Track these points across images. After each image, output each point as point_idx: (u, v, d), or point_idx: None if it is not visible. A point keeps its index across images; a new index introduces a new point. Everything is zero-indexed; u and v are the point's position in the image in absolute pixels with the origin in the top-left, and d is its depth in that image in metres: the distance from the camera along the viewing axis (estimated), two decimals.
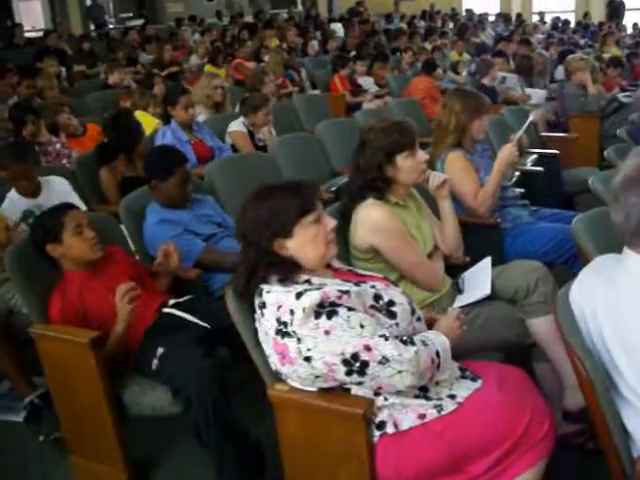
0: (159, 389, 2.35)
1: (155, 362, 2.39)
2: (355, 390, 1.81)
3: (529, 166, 4.18)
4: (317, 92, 7.60)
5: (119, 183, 3.82)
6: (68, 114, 4.82)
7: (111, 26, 15.06)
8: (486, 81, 6.34)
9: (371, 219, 2.40)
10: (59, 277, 2.57)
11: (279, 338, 1.80)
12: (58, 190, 3.49)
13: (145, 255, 2.99)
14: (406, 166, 2.47)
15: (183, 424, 2.31)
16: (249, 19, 14.59)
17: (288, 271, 1.87)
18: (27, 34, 12.07)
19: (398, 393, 1.82)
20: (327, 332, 1.74)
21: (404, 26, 13.87)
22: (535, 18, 17.29)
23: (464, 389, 1.90)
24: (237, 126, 4.65)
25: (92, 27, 14.49)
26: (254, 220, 1.87)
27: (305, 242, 1.87)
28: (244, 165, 3.73)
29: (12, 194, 3.37)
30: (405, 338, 1.81)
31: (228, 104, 5.63)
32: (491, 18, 17.24)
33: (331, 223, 1.94)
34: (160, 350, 2.40)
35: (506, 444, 1.79)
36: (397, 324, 1.86)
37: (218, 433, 2.24)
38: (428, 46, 9.93)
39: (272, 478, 2.32)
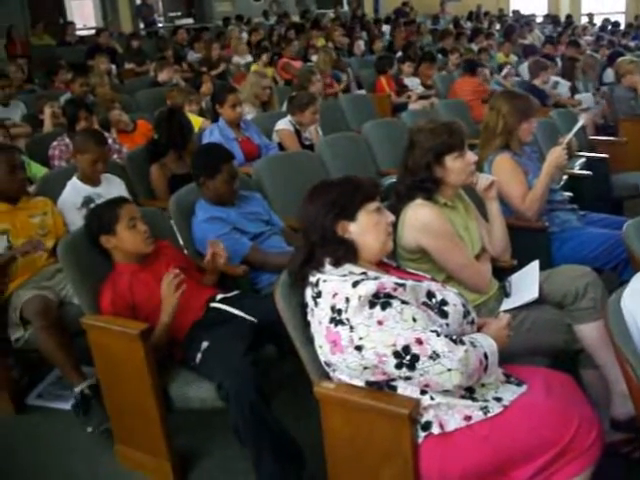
0: (204, 383, 2.38)
1: (199, 356, 2.43)
2: (402, 388, 1.82)
3: (577, 170, 4.12)
4: (363, 92, 7.59)
5: (169, 180, 3.88)
6: (119, 110, 4.93)
7: (160, 25, 15.26)
8: (537, 82, 6.25)
9: (419, 219, 2.39)
10: (110, 269, 2.63)
11: (332, 326, 1.82)
12: (115, 185, 3.63)
13: (193, 250, 3.03)
14: (455, 167, 2.47)
15: (226, 417, 2.33)
16: (295, 19, 14.64)
17: (346, 253, 1.91)
18: (79, 32, 12.33)
19: (444, 393, 1.82)
20: (380, 322, 1.76)
21: (450, 27, 13.77)
22: (584, 20, 16.98)
23: (510, 393, 1.89)
24: (284, 124, 4.68)
25: (141, 26, 14.72)
26: (321, 203, 1.93)
27: (367, 228, 1.93)
28: (291, 163, 3.75)
29: (74, 181, 3.53)
30: (455, 337, 1.81)
31: (276, 102, 5.68)
32: (539, 19, 16.98)
33: (391, 217, 2.00)
34: (205, 344, 2.44)
35: (552, 451, 1.77)
36: (447, 324, 1.86)
37: (255, 431, 2.26)
38: (474, 47, 9.82)
39: (311, 476, 2.34)
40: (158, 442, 2.48)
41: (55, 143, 4.45)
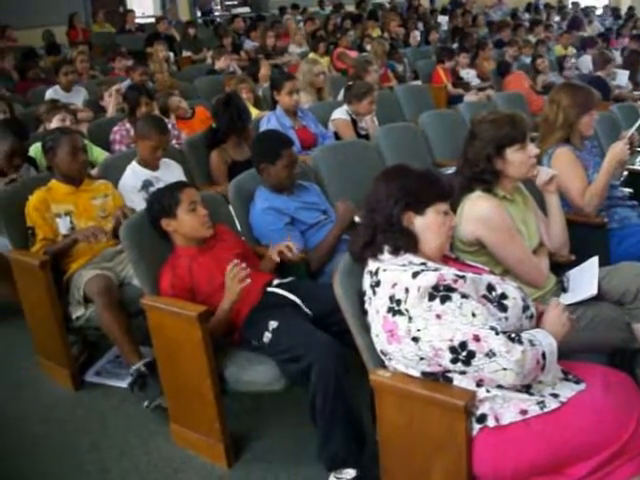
0: (260, 366, 2.42)
1: (268, 335, 2.45)
2: (458, 380, 1.82)
3: (638, 166, 4.02)
4: (418, 83, 7.53)
5: (229, 166, 3.93)
6: (178, 97, 5.00)
7: (217, 13, 15.39)
8: (602, 74, 6.12)
9: (478, 211, 2.37)
10: (170, 252, 2.69)
11: (390, 316, 1.83)
12: (173, 170, 3.70)
13: (250, 236, 3.07)
14: (516, 160, 2.44)
15: (278, 401, 2.36)
16: (350, 8, 14.57)
17: (406, 243, 1.91)
18: (138, 20, 12.51)
19: (500, 386, 1.80)
20: (439, 316, 1.76)
21: (508, 18, 13.51)
22: None
23: (568, 389, 1.86)
24: (341, 114, 4.68)
25: (198, 14, 14.87)
26: (395, 186, 1.93)
27: (431, 226, 1.93)
28: (348, 153, 3.75)
29: (134, 165, 3.61)
30: (513, 335, 1.79)
31: (328, 92, 5.68)
32: (598, 11, 16.52)
33: (454, 221, 2.01)
34: (273, 323, 2.46)
35: (609, 450, 1.74)
36: (507, 318, 1.85)
37: (335, 405, 2.27)
38: (532, 39, 9.63)
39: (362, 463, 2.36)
40: (212, 423, 2.52)
41: (116, 128, 4.56)
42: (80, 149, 3.28)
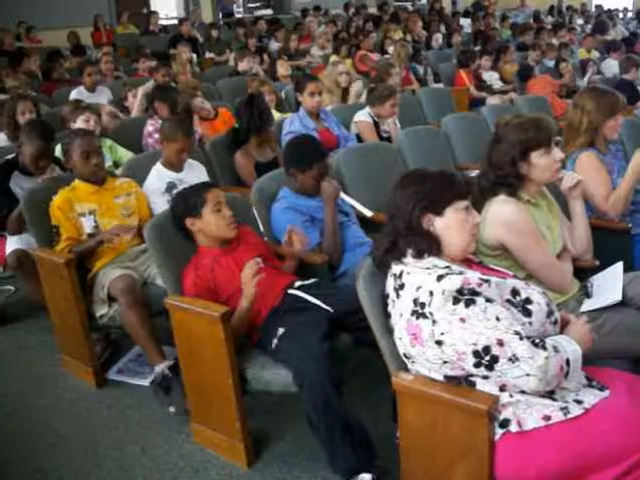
0: (280, 367, 2.42)
1: (275, 341, 2.47)
2: (481, 385, 1.81)
3: None
4: (440, 86, 7.52)
5: (253, 167, 3.94)
6: (202, 98, 5.03)
7: (239, 15, 15.47)
8: (628, 77, 6.09)
9: (502, 215, 2.36)
10: (194, 252, 2.71)
11: (414, 319, 1.83)
12: (197, 171, 3.73)
13: (272, 237, 3.08)
14: (541, 164, 2.42)
15: (299, 402, 2.37)
16: (372, 11, 14.58)
17: (429, 246, 1.91)
18: (161, 22, 12.61)
19: (523, 391, 1.79)
20: (463, 320, 1.75)
21: (531, 21, 13.44)
22: None
23: (591, 396, 1.85)
24: (363, 116, 4.69)
25: (220, 16, 14.95)
26: (412, 191, 1.93)
27: (453, 226, 1.92)
28: (370, 155, 3.75)
29: (158, 166, 3.64)
30: (537, 341, 1.78)
31: (353, 93, 5.69)
32: (621, 15, 16.37)
33: (477, 218, 1.99)
34: (281, 330, 2.47)
35: (633, 458, 1.72)
36: (531, 323, 1.84)
37: (326, 419, 2.28)
38: (555, 42, 9.57)
39: (381, 466, 2.36)
40: (233, 423, 2.53)
41: (152, 121, 4.63)
42: (92, 152, 3.26)
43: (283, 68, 6.55)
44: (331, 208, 3.03)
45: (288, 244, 2.82)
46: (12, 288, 4.38)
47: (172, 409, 2.83)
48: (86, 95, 5.90)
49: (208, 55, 9.58)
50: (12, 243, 3.56)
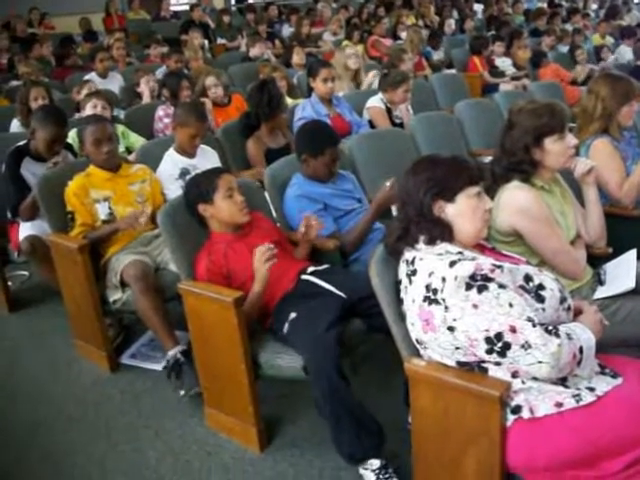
0: (293, 353, 2.43)
1: (287, 326, 2.48)
2: (493, 371, 1.81)
3: None
4: (453, 71, 7.47)
5: (265, 154, 3.94)
6: (215, 79, 5.00)
7: (251, 0, 15.37)
8: None
9: (516, 201, 2.35)
10: (206, 238, 2.71)
11: (426, 305, 1.83)
12: (210, 157, 3.72)
13: (285, 223, 3.08)
14: (554, 150, 2.41)
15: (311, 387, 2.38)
16: None
17: (441, 232, 1.91)
18: (173, 7, 12.55)
19: (536, 378, 1.79)
20: (475, 306, 1.75)
21: (544, 6, 13.29)
22: None
23: (604, 383, 1.84)
24: (375, 102, 4.67)
25: (232, 2, 14.87)
26: (423, 178, 1.93)
27: (464, 212, 1.92)
28: (382, 141, 3.75)
29: (171, 152, 3.64)
30: (550, 328, 1.77)
31: (363, 77, 5.66)
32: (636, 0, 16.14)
33: (489, 204, 1.97)
34: (292, 315, 2.48)
35: None
36: (544, 309, 1.83)
37: (333, 406, 2.29)
38: (569, 28, 9.46)
39: (392, 451, 2.37)
40: (246, 407, 2.55)
41: (164, 106, 4.64)
42: (104, 139, 3.26)
43: (299, 57, 6.50)
44: (376, 213, 3.03)
45: (304, 232, 2.82)
46: (26, 273, 4.43)
47: (182, 392, 2.85)
48: (98, 81, 5.91)
49: (220, 41, 9.54)
50: (25, 229, 3.58)
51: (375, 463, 2.34)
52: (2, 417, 2.98)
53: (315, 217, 2.81)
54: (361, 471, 2.37)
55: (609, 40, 9.17)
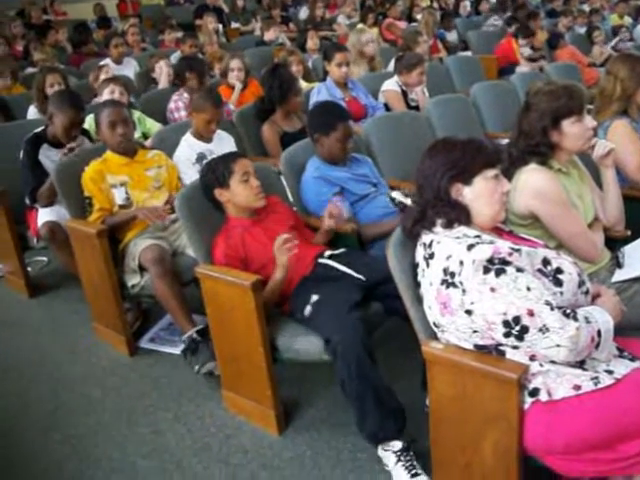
0: (311, 336, 2.44)
1: (308, 308, 2.47)
2: (511, 354, 1.81)
3: None
4: (468, 53, 7.40)
5: (280, 138, 3.94)
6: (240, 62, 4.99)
7: None
8: None
9: (533, 184, 2.34)
10: (223, 222, 2.73)
11: (443, 288, 1.83)
12: (226, 142, 3.73)
13: (301, 207, 3.09)
14: (572, 132, 2.39)
15: (329, 370, 2.39)
16: None
17: (458, 215, 1.90)
18: None
19: (554, 361, 1.79)
20: (493, 289, 1.74)
21: None
22: None
23: (622, 366, 1.83)
24: (391, 85, 4.65)
25: None
26: (440, 161, 1.92)
27: (482, 195, 1.91)
28: (398, 124, 3.73)
29: (188, 137, 3.65)
30: (568, 311, 1.76)
31: (379, 62, 5.63)
32: None
33: (507, 186, 1.96)
34: (314, 297, 2.48)
35: None
36: (562, 293, 1.82)
37: (359, 387, 2.30)
38: (586, 8, 9.34)
39: (409, 434, 2.38)
40: (264, 391, 2.57)
41: (176, 97, 4.64)
42: (119, 121, 3.26)
43: (313, 42, 6.47)
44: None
45: (327, 218, 2.81)
46: (45, 259, 4.47)
47: (197, 367, 2.87)
48: (113, 67, 5.92)
49: (234, 25, 9.52)
50: (44, 215, 3.61)
51: (397, 445, 2.35)
52: (24, 400, 3.02)
53: (340, 205, 2.80)
54: (381, 452, 2.38)
55: (627, 20, 9.04)
